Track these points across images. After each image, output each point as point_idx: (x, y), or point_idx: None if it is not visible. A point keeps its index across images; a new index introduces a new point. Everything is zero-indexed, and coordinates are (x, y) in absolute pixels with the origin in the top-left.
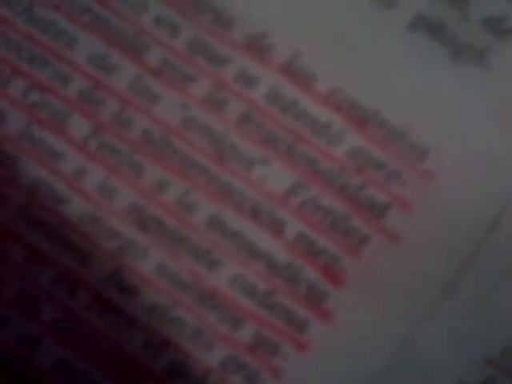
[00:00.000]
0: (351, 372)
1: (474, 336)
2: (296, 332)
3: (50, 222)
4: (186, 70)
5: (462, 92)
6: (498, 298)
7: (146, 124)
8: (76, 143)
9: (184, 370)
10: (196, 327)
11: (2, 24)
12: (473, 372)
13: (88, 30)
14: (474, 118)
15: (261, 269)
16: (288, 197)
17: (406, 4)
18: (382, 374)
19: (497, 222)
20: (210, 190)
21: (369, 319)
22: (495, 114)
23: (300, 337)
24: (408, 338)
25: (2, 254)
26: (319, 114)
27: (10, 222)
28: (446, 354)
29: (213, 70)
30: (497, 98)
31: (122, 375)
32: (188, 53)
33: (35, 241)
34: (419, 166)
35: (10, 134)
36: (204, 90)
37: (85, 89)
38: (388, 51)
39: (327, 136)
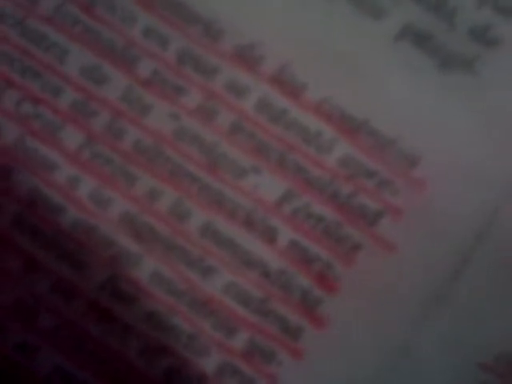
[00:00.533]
0: (345, 378)
1: (467, 342)
2: (290, 339)
3: (45, 231)
4: (176, 81)
5: (450, 101)
6: (489, 304)
7: (137, 134)
8: (69, 154)
9: (180, 376)
10: (191, 334)
11: None
12: (467, 378)
13: (79, 42)
14: (463, 126)
15: (254, 276)
16: (280, 205)
17: (394, 14)
18: (376, 380)
19: (487, 229)
20: (202, 198)
21: (362, 326)
22: (484, 122)
23: (294, 344)
24: (402, 345)
25: None
26: (309, 123)
27: (6, 232)
28: (439, 361)
29: (203, 81)
30: (485, 107)
31: (119, 382)
32: (178, 64)
33: (31, 250)
34: (410, 174)
35: (4, 145)
36: (195, 101)
37: (77, 100)
38: (376, 61)
39: (318, 145)
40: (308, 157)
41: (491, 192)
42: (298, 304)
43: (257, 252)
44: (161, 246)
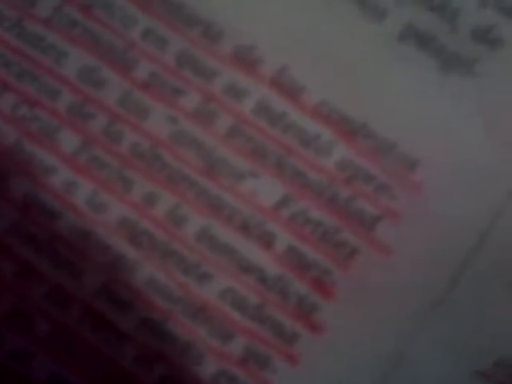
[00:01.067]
0: None
1: (465, 348)
2: (286, 345)
3: (41, 237)
4: (174, 84)
5: (450, 102)
6: (489, 309)
7: (135, 138)
8: (66, 157)
9: (175, 383)
10: (187, 341)
11: None
12: None
13: (77, 45)
14: (463, 129)
15: (251, 282)
16: (278, 209)
17: (395, 15)
18: None
19: (487, 233)
20: (199, 203)
21: (359, 331)
22: (484, 124)
23: (290, 350)
24: (399, 350)
25: None
26: (308, 126)
27: (2, 237)
28: (437, 366)
29: (201, 84)
30: (485, 108)
31: None
32: (177, 66)
33: (27, 256)
34: (408, 178)
35: (0, 148)
36: (193, 104)
37: (74, 103)
38: (377, 62)
39: (316, 148)
40: (306, 160)
41: (491, 196)
42: (294, 310)
43: (254, 257)
44: (157, 251)
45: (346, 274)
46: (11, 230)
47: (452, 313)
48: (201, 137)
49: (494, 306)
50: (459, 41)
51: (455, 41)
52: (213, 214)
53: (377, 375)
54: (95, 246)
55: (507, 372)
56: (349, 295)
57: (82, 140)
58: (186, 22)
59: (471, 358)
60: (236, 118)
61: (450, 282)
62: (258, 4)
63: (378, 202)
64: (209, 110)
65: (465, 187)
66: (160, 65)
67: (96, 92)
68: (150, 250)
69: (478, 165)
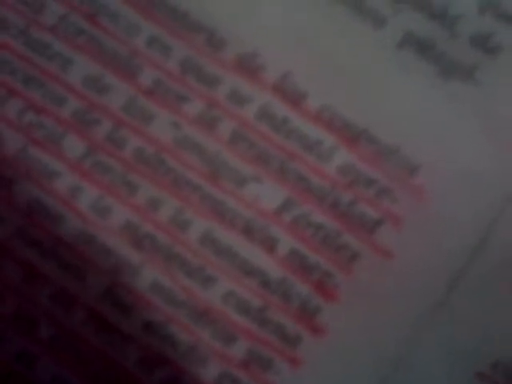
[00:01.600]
0: None
1: (465, 350)
2: (289, 347)
3: (45, 241)
4: (178, 90)
5: (450, 108)
6: (488, 312)
7: (139, 143)
8: (71, 162)
9: None
10: (190, 344)
11: None
12: None
13: (82, 52)
14: (463, 134)
15: (254, 285)
16: (280, 214)
17: (395, 23)
18: None
19: (487, 237)
20: (202, 207)
21: (361, 334)
22: (483, 129)
23: (293, 352)
24: (400, 353)
25: None
26: (310, 131)
27: (7, 241)
28: (438, 368)
29: (205, 90)
30: (485, 114)
31: None
32: (180, 73)
33: (32, 260)
34: (410, 182)
35: (6, 154)
36: (196, 110)
37: (79, 109)
38: (377, 69)
39: (318, 153)
40: (308, 165)
41: (490, 200)
42: (296, 313)
43: (256, 261)
44: (161, 255)
45: (347, 278)
46: (16, 234)
47: (452, 316)
48: (204, 142)
49: (493, 308)
50: (458, 48)
51: (454, 48)
52: (216, 218)
53: (378, 377)
54: (99, 250)
55: (505, 374)
56: (351, 298)
57: (87, 145)
58: (189, 30)
59: (470, 360)
60: (239, 124)
61: (449, 286)
62: (261, 13)
63: (379, 206)
64: (212, 115)
65: (464, 191)
66: (164, 72)
67: (101, 98)
68: (154, 254)
69: (478, 169)
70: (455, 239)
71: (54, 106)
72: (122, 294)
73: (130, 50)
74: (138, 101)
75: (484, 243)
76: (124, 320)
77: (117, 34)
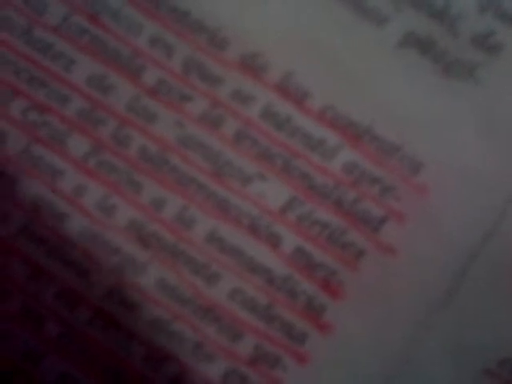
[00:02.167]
0: (350, 383)
1: (471, 347)
2: (295, 344)
3: (51, 239)
4: (181, 90)
5: (452, 106)
6: (494, 309)
7: (143, 142)
8: (75, 161)
9: (185, 383)
10: (196, 341)
11: (2, 46)
12: (471, 383)
13: (86, 52)
14: (465, 133)
15: (260, 282)
16: (285, 211)
17: (397, 22)
18: None
19: (490, 233)
20: (207, 205)
21: (367, 330)
22: (486, 127)
23: (299, 349)
24: (406, 349)
25: (5, 271)
26: (313, 130)
27: (13, 240)
28: (443, 365)
29: (208, 89)
30: (487, 112)
31: None
32: (183, 72)
33: (37, 258)
34: (413, 180)
35: (10, 153)
36: (200, 109)
37: (83, 108)
38: (379, 68)
39: (322, 151)
40: (312, 163)
41: (494, 197)
42: (302, 310)
43: (262, 258)
44: (166, 253)
45: (352, 274)
46: (21, 233)
47: (457, 313)
48: (208, 141)
49: (499, 305)
50: (459, 46)
51: (455, 46)
52: (221, 216)
53: (384, 374)
54: (105, 248)
55: None
56: (356, 295)
57: (92, 144)
58: (192, 30)
59: (477, 357)
60: (243, 123)
61: (454, 283)
62: (263, 12)
63: (383, 203)
64: (216, 114)
65: (468, 189)
66: (167, 71)
67: (105, 98)
68: (159, 252)
69: (481, 168)
70: (459, 236)
71: (58, 105)
72: (127, 291)
73: (132, 50)
74: (142, 100)
75: (488, 239)
76: (130, 318)
77: (119, 34)
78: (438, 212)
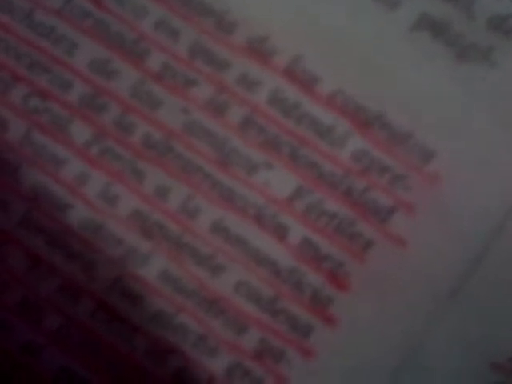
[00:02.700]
0: (357, 377)
1: (480, 341)
2: (301, 338)
3: (52, 230)
4: (187, 75)
5: (466, 93)
6: (503, 303)
7: (147, 129)
8: (77, 149)
9: (189, 377)
10: (200, 334)
11: (2, 30)
12: (480, 377)
13: (88, 36)
14: (478, 120)
15: (265, 274)
16: (292, 201)
17: (410, 4)
18: (387, 379)
19: (502, 225)
20: (213, 194)
21: (374, 324)
22: (500, 116)
23: (305, 343)
24: (414, 343)
25: (5, 262)
26: (322, 116)
27: (13, 230)
28: (452, 359)
29: (214, 74)
30: (501, 98)
31: (126, 383)
32: (189, 57)
33: (38, 248)
34: (424, 169)
35: (11, 140)
36: (206, 95)
37: (86, 94)
38: (391, 52)
39: (331, 139)
40: (321, 151)
41: (506, 188)
42: (308, 302)
43: (268, 250)
44: (170, 243)
45: (360, 266)
46: (22, 223)
47: (465, 305)
48: (214, 128)
49: (508, 299)
50: (475, 30)
51: (471, 30)
52: (226, 205)
53: (390, 367)
54: (107, 239)
55: None
56: (364, 287)
57: (94, 131)
58: (198, 13)
59: (487, 350)
60: (249, 109)
61: (464, 274)
62: None
63: (392, 193)
64: (222, 100)
65: (480, 179)
66: (172, 56)
67: (108, 83)
68: (163, 243)
69: (494, 157)
70: (470, 227)
71: (60, 90)
72: (130, 283)
73: (137, 34)
74: (146, 85)
75: (500, 231)
76: (133, 310)
77: (123, 17)
78: (450, 202)
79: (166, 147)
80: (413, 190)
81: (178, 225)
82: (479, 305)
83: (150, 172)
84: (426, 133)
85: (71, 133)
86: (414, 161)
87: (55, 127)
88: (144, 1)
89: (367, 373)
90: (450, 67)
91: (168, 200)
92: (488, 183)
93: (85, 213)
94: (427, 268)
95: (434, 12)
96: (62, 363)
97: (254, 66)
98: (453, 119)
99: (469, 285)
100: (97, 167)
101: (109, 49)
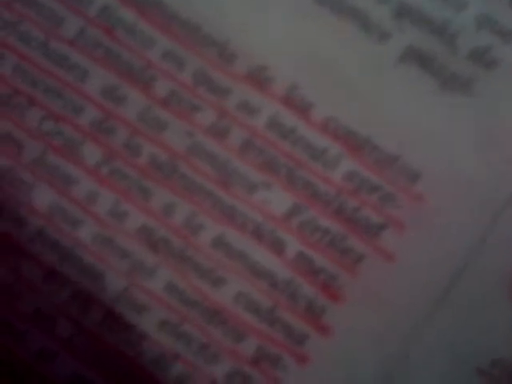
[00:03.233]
0: (349, 382)
1: (465, 347)
2: (296, 345)
3: (65, 244)
4: (191, 101)
5: (450, 118)
6: (487, 310)
7: (154, 151)
8: (88, 169)
9: (191, 382)
10: (202, 342)
11: (19, 58)
12: (465, 381)
13: (99, 64)
14: (461, 144)
15: (263, 286)
16: (288, 218)
17: (398, 37)
18: None
19: (483, 240)
20: (214, 212)
21: (365, 333)
22: (481, 139)
23: (300, 350)
24: (402, 351)
25: (20, 274)
26: (316, 140)
27: (28, 244)
28: (439, 365)
29: (217, 101)
30: (482, 125)
31: None
32: (193, 84)
33: (51, 261)
34: (411, 189)
35: (27, 161)
36: (208, 119)
37: (96, 118)
38: (380, 81)
39: (324, 161)
40: (315, 172)
41: (488, 206)
42: (303, 312)
43: (266, 263)
44: (174, 257)
45: (352, 279)
46: (37, 237)
47: (452, 314)
48: (216, 150)
49: (493, 306)
50: (458, 61)
51: (454, 61)
52: (227, 222)
53: (382, 374)
54: (116, 252)
55: (505, 370)
56: (355, 298)
57: (104, 153)
58: (202, 44)
59: (470, 356)
60: (249, 133)
61: (449, 287)
62: (270, 28)
63: (382, 211)
64: (223, 125)
65: (464, 198)
66: (178, 83)
67: (117, 108)
68: (168, 256)
69: (477, 178)
70: (455, 242)
71: (73, 114)
72: (137, 294)
73: (145, 62)
74: (153, 110)
75: (483, 246)
76: (139, 319)
77: (133, 47)
78: (436, 219)
79: (171, 168)
80: (401, 208)
81: (182, 240)
82: (463, 313)
83: (156, 190)
84: (412, 155)
85: (83, 154)
86: (401, 181)
87: (68, 149)
88: (152, 32)
89: (359, 379)
90: (435, 96)
91: (173, 217)
92: (471, 202)
93: (95, 228)
94: (415, 280)
95: (419, 45)
96: (73, 369)
97: (253, 93)
98: (437, 143)
99: (454, 295)
100: (106, 186)
101: (118, 76)
